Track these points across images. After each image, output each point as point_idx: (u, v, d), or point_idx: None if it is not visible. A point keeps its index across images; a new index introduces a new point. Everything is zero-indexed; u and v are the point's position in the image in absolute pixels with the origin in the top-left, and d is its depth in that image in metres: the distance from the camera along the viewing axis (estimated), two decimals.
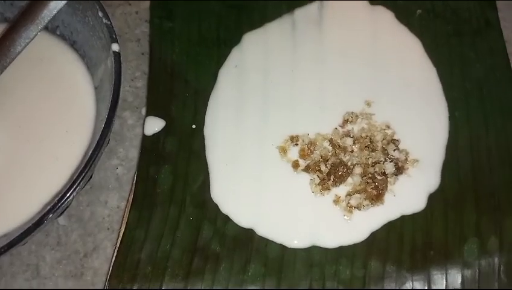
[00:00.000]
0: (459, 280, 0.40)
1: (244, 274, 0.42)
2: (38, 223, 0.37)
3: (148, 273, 0.42)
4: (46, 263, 0.45)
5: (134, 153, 0.48)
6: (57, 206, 0.38)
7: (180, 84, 0.49)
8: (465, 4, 0.52)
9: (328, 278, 0.41)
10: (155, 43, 0.51)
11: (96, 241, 0.45)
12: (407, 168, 0.44)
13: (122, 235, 0.43)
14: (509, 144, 0.45)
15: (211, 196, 0.44)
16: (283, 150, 0.45)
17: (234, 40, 0.51)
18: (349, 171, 0.44)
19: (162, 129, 0.47)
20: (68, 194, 0.38)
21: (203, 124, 0.47)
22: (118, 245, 0.43)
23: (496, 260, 0.40)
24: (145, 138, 0.47)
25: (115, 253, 0.43)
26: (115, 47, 0.42)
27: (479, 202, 0.43)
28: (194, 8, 0.53)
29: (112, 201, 0.47)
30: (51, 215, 0.37)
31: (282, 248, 0.42)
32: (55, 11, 0.43)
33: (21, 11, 0.45)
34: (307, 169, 0.44)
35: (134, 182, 0.46)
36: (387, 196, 0.43)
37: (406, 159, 0.44)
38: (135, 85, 0.51)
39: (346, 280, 0.41)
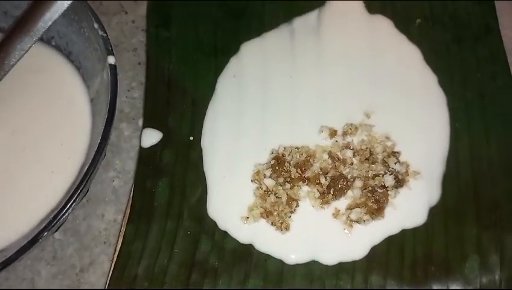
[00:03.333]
0: None
1: (243, 289, 0.41)
2: (33, 240, 0.37)
3: (145, 288, 0.41)
4: (42, 277, 0.44)
5: (131, 165, 0.48)
6: (52, 223, 0.37)
7: (178, 94, 0.49)
8: (464, 10, 0.51)
9: None
10: (151, 53, 0.51)
11: (92, 255, 0.45)
12: (408, 180, 0.43)
13: (119, 250, 0.43)
14: (511, 156, 0.44)
15: (208, 212, 0.43)
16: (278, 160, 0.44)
17: (232, 49, 0.50)
18: (349, 184, 0.43)
19: (159, 141, 0.47)
20: (64, 211, 0.37)
21: (201, 136, 0.47)
22: (114, 260, 0.43)
23: (497, 277, 0.40)
24: (142, 149, 0.46)
25: (112, 268, 0.42)
26: (111, 60, 0.41)
27: (480, 216, 0.42)
28: (191, 17, 0.52)
29: (109, 214, 0.46)
30: (46, 233, 0.37)
31: (282, 262, 0.42)
32: (50, 23, 0.42)
33: (15, 22, 0.44)
34: (306, 182, 0.44)
35: (131, 195, 0.45)
36: (388, 210, 0.42)
37: (407, 172, 0.44)
38: (132, 96, 0.51)
39: None
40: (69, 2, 0.41)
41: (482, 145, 0.45)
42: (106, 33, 0.42)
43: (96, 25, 0.42)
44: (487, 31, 0.50)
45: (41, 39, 0.47)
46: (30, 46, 0.43)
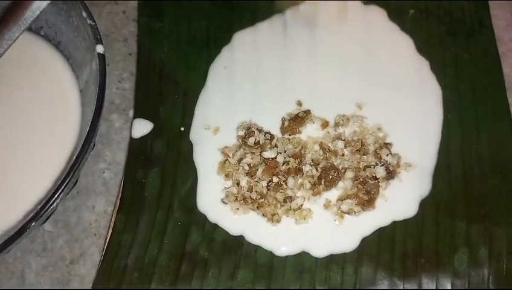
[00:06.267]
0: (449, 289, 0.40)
1: (232, 280, 0.41)
2: (21, 231, 0.36)
3: (135, 279, 0.41)
4: (32, 270, 0.44)
5: (121, 157, 0.47)
6: (40, 213, 0.37)
7: (169, 85, 0.48)
8: (458, 4, 0.51)
9: (318, 284, 0.40)
10: (143, 43, 0.50)
11: (83, 247, 0.44)
12: (399, 172, 0.43)
13: (109, 240, 0.43)
14: (499, 151, 0.44)
15: (198, 206, 0.43)
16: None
17: (224, 39, 0.50)
18: (340, 176, 0.43)
19: (150, 132, 0.46)
20: (52, 201, 0.37)
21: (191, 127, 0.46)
22: (104, 250, 0.42)
23: (486, 270, 0.40)
24: (132, 140, 0.46)
25: (101, 259, 0.42)
26: (100, 48, 0.41)
27: (469, 210, 0.42)
28: (183, 7, 0.52)
29: (99, 206, 0.46)
30: (34, 223, 0.36)
31: (272, 253, 0.41)
32: (38, 12, 0.41)
33: (3, 11, 0.43)
34: (297, 173, 0.43)
35: (122, 186, 0.45)
36: (379, 201, 0.42)
37: (398, 163, 0.43)
38: (122, 87, 0.50)
39: (337, 286, 0.40)
40: None
41: (473, 139, 0.45)
42: (95, 22, 0.42)
43: (84, 14, 0.42)
44: (480, 26, 0.50)
45: (29, 29, 0.46)
46: (18, 36, 0.42)
